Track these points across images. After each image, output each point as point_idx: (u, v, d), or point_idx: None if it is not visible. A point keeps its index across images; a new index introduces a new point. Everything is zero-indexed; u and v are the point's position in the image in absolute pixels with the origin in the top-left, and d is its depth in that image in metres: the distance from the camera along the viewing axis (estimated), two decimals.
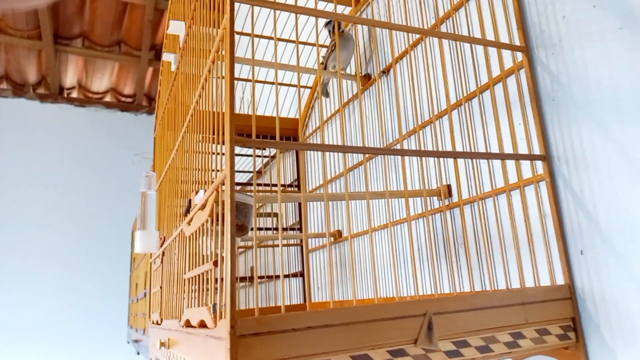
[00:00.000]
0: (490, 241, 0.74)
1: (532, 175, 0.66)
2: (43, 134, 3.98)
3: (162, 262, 1.00)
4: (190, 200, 0.70)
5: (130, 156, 4.11)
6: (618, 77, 0.56)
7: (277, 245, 1.52)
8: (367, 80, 1.15)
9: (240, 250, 2.07)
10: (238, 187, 1.61)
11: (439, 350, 0.50)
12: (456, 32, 0.84)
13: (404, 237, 0.96)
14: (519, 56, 0.70)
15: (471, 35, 0.80)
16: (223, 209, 0.54)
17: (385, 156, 1.04)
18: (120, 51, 3.93)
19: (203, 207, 0.59)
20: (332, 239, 1.27)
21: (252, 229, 0.68)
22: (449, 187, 0.84)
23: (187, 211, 0.72)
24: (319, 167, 1.41)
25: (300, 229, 1.49)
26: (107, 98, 4.47)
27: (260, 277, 1.74)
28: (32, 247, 3.58)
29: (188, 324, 0.63)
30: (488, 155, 0.66)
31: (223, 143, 0.58)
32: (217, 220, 0.57)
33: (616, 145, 0.56)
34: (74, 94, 4.38)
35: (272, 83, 1.38)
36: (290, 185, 1.57)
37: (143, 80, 4.18)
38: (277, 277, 1.55)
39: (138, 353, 1.88)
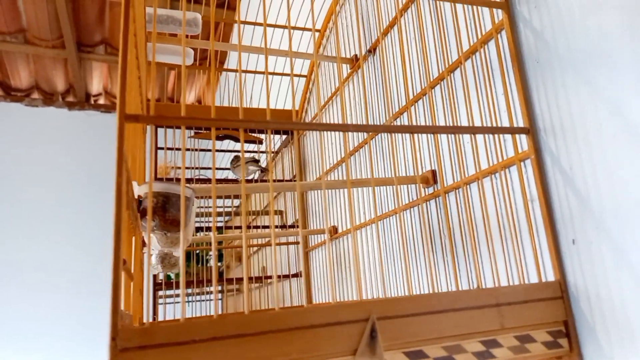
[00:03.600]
0: (464, 234, 0.64)
1: (514, 153, 0.56)
2: (70, 141, 4.09)
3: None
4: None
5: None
6: (609, 25, 0.46)
7: (280, 244, 1.46)
8: (354, 61, 1.06)
9: (255, 249, 2.02)
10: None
11: None
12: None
13: (392, 231, 0.87)
14: (500, 15, 0.60)
15: None
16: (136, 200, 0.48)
17: (370, 146, 0.95)
18: None
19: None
20: (329, 235, 1.19)
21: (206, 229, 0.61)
22: (433, 172, 0.74)
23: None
24: (318, 163, 1.33)
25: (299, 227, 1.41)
26: None
27: (269, 277, 1.68)
28: (56, 251, 3.68)
29: None
30: (459, 130, 0.57)
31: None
32: (143, 214, 0.51)
33: (609, 105, 0.46)
34: (101, 101, 4.48)
35: (262, 73, 1.31)
36: (289, 181, 1.50)
37: (166, 83, 4.22)
38: (282, 277, 1.48)
39: None
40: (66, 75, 4.13)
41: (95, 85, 4.29)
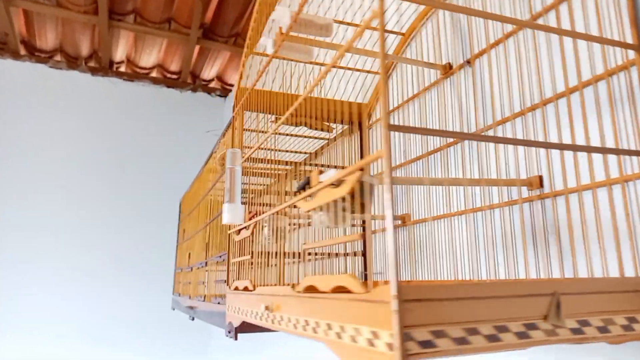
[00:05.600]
0: (586, 232, 0.77)
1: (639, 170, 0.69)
2: (96, 106, 4.13)
3: (252, 233, 1.07)
4: (308, 177, 0.75)
5: (180, 129, 4.26)
6: None
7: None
8: (448, 69, 1.18)
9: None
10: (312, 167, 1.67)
11: (566, 327, 0.54)
12: (558, 26, 0.86)
13: (485, 225, 1.00)
14: (631, 53, 0.72)
15: (575, 30, 0.82)
16: (362, 187, 0.60)
17: (466, 144, 1.08)
18: (170, 28, 4.01)
19: (335, 185, 0.65)
20: (400, 221, 1.32)
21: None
22: (540, 177, 0.87)
23: (303, 188, 0.77)
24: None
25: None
26: (153, 74, 4.58)
27: (318, 254, 1.80)
28: (76, 217, 3.75)
29: (310, 290, 0.69)
30: (593, 150, 0.69)
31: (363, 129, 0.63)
32: (354, 197, 0.62)
33: None
34: (122, 68, 4.50)
35: (342, 67, 1.42)
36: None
37: (190, 58, 4.26)
38: (337, 255, 1.61)
39: (193, 318, 1.98)
40: (92, 41, 4.14)
41: (120, 53, 4.31)
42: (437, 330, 0.48)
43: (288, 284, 0.82)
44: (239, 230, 1.19)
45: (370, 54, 1.23)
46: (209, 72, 4.65)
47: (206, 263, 1.84)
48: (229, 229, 1.30)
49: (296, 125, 1.53)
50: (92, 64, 4.35)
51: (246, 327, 1.17)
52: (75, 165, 3.89)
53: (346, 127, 1.66)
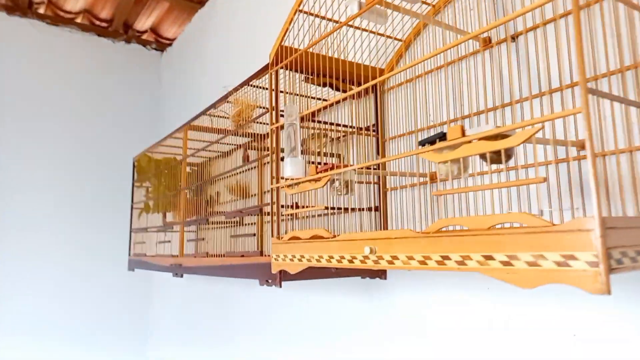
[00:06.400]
0: None
1: None
2: (15, 50, 3.65)
3: (327, 185, 1.12)
4: (442, 132, 0.84)
5: (113, 83, 3.94)
6: None
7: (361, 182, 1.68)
8: (488, 42, 1.31)
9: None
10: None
11: None
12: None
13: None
14: None
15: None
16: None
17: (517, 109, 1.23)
18: None
19: (491, 138, 0.75)
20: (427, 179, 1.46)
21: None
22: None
23: (431, 142, 0.86)
24: (403, 114, 1.57)
25: (377, 168, 1.65)
26: (79, 19, 4.14)
27: (332, 208, 1.88)
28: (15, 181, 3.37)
29: (439, 231, 0.80)
30: None
31: None
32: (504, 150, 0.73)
33: None
34: (41, 10, 4.01)
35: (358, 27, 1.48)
36: (367, 129, 1.71)
37: (127, 5, 3.92)
38: (353, 210, 1.71)
39: (182, 275, 1.98)
40: None
41: None
42: (623, 251, 0.62)
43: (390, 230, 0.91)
44: (294, 184, 1.23)
45: (412, 14, 1.31)
46: (143, 23, 4.31)
47: (207, 220, 1.84)
48: (273, 183, 1.33)
49: (323, 86, 1.58)
50: (4, 1, 3.81)
51: (302, 275, 1.24)
52: None
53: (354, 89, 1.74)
